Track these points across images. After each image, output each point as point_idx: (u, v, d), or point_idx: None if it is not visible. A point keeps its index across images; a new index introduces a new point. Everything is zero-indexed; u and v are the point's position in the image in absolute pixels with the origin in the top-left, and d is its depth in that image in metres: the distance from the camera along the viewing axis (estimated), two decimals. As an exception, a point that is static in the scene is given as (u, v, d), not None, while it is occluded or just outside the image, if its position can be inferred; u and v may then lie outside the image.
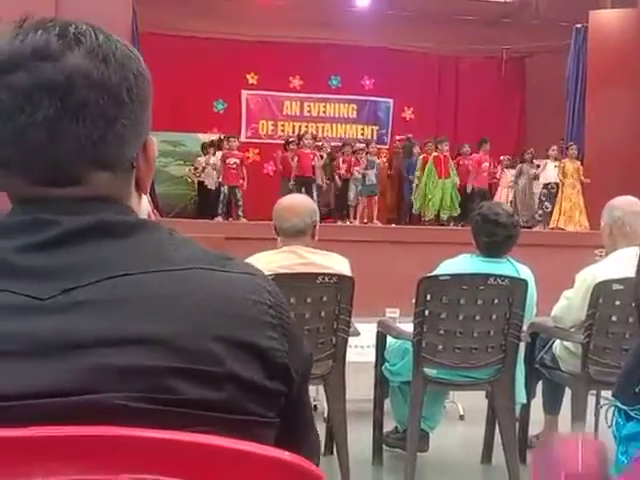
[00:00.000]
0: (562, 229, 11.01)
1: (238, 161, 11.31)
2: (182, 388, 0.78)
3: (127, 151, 0.86)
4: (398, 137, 13.35)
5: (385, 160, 12.64)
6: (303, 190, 10.22)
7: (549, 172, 11.57)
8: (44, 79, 0.80)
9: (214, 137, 12.74)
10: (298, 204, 3.43)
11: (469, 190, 11.79)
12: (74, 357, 0.75)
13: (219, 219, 10.98)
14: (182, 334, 0.79)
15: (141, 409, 0.76)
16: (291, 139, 12.24)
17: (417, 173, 11.78)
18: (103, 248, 0.81)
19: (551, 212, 11.46)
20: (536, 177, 11.73)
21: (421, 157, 11.79)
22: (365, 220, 11.58)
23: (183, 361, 0.78)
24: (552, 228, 11.22)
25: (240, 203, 11.17)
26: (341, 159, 11.89)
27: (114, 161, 0.85)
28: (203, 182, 11.98)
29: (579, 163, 11.26)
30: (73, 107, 0.81)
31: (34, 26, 0.83)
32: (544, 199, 11.68)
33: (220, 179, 11.40)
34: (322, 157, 11.82)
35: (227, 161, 11.21)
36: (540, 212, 11.72)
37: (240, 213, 11.14)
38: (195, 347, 0.79)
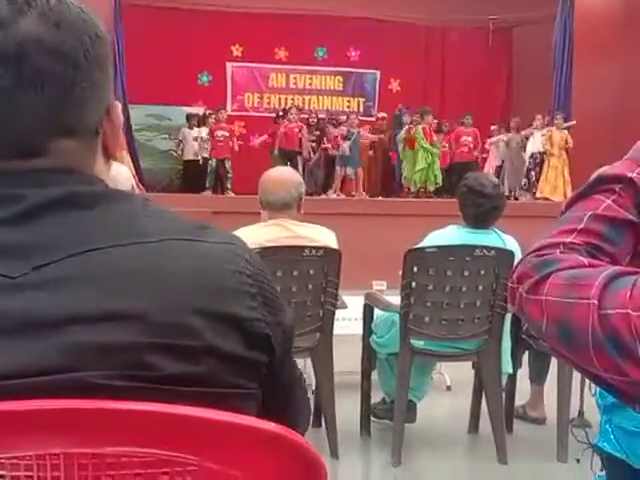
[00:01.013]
0: (548, 199, 11.05)
1: (227, 134, 11.26)
2: (161, 364, 0.76)
3: (89, 116, 0.84)
4: (380, 115, 13.26)
5: (369, 133, 12.54)
6: (288, 163, 10.17)
7: (536, 141, 11.59)
8: None
9: (200, 109, 12.64)
10: (284, 177, 3.41)
11: (451, 164, 11.86)
12: (48, 336, 0.74)
13: (207, 193, 10.94)
14: (158, 308, 0.77)
15: (119, 387, 0.74)
16: (281, 113, 12.18)
17: (400, 146, 11.76)
18: (72, 221, 0.79)
19: (536, 181, 11.51)
20: (524, 145, 11.77)
21: (405, 128, 11.75)
22: (353, 193, 11.55)
23: (160, 336, 0.76)
24: (538, 198, 11.26)
25: (229, 175, 11.16)
26: (327, 130, 11.85)
27: (76, 127, 0.83)
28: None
29: (566, 132, 11.27)
30: (29, 74, 0.79)
31: None
32: (531, 168, 11.72)
33: (206, 153, 11.35)
34: (309, 129, 11.78)
35: (215, 134, 11.15)
36: (525, 181, 11.78)
37: (229, 186, 11.12)
38: (172, 321, 0.78)
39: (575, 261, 0.86)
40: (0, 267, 0.75)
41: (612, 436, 1.22)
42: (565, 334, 0.83)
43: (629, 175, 0.91)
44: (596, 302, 0.80)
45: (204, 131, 11.54)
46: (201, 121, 11.88)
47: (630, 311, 0.78)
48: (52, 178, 0.81)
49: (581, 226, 0.90)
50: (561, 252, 0.88)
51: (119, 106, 0.90)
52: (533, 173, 11.62)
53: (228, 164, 11.18)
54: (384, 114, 13.01)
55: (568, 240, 0.89)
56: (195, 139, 11.64)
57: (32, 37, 0.79)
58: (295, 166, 10.08)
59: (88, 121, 0.85)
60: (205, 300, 0.80)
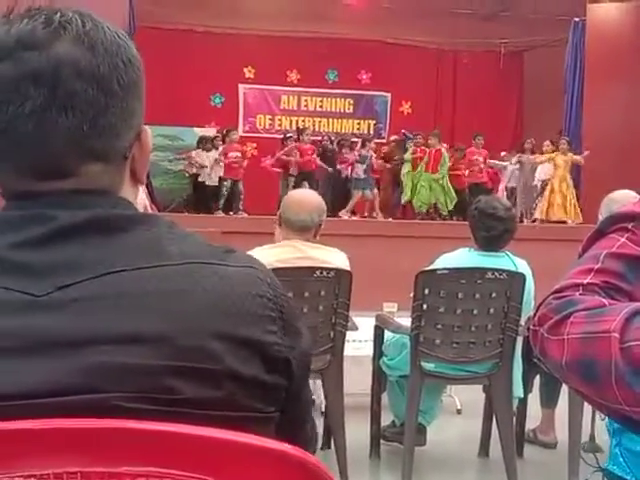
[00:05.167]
0: (553, 221, 11.05)
1: (240, 155, 11.33)
2: (181, 387, 0.76)
3: (119, 141, 0.84)
4: (392, 137, 13.30)
5: (382, 155, 12.59)
6: (306, 184, 10.24)
7: (545, 169, 11.61)
8: (30, 69, 0.78)
9: (212, 131, 12.71)
10: (310, 201, 3.41)
11: (465, 186, 11.87)
12: (70, 355, 0.74)
13: (219, 213, 10.99)
14: (179, 332, 0.77)
15: (139, 409, 0.74)
16: (289, 134, 12.23)
17: (405, 169, 11.79)
18: (99, 243, 0.79)
19: (546, 205, 11.52)
20: (535, 167, 11.80)
21: (410, 150, 11.78)
22: (365, 214, 11.60)
23: (181, 359, 0.77)
24: (543, 220, 11.24)
25: (242, 196, 11.21)
26: (341, 152, 11.95)
27: (106, 151, 0.83)
28: (199, 176, 11.97)
29: (571, 155, 11.26)
30: (61, 97, 0.79)
31: (21, 16, 0.81)
32: (540, 193, 11.74)
33: (221, 173, 11.40)
34: (324, 150, 11.89)
35: (229, 155, 11.21)
36: (536, 204, 11.81)
37: (240, 207, 11.17)
38: (193, 345, 0.78)
39: (595, 301, 0.87)
40: (26, 285, 0.76)
41: (621, 459, 1.22)
42: (587, 369, 0.83)
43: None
44: (617, 335, 0.80)
45: (217, 152, 11.60)
46: (213, 142, 11.94)
47: None
48: (82, 200, 0.82)
49: (598, 265, 0.90)
50: (580, 294, 0.89)
51: (149, 131, 0.91)
52: (542, 197, 11.63)
53: (240, 185, 11.23)
54: (396, 137, 13.05)
55: (586, 281, 0.89)
56: (217, 161, 11.69)
57: (67, 60, 0.79)
58: (311, 187, 10.15)
59: (118, 146, 0.85)
60: (226, 324, 0.80)
